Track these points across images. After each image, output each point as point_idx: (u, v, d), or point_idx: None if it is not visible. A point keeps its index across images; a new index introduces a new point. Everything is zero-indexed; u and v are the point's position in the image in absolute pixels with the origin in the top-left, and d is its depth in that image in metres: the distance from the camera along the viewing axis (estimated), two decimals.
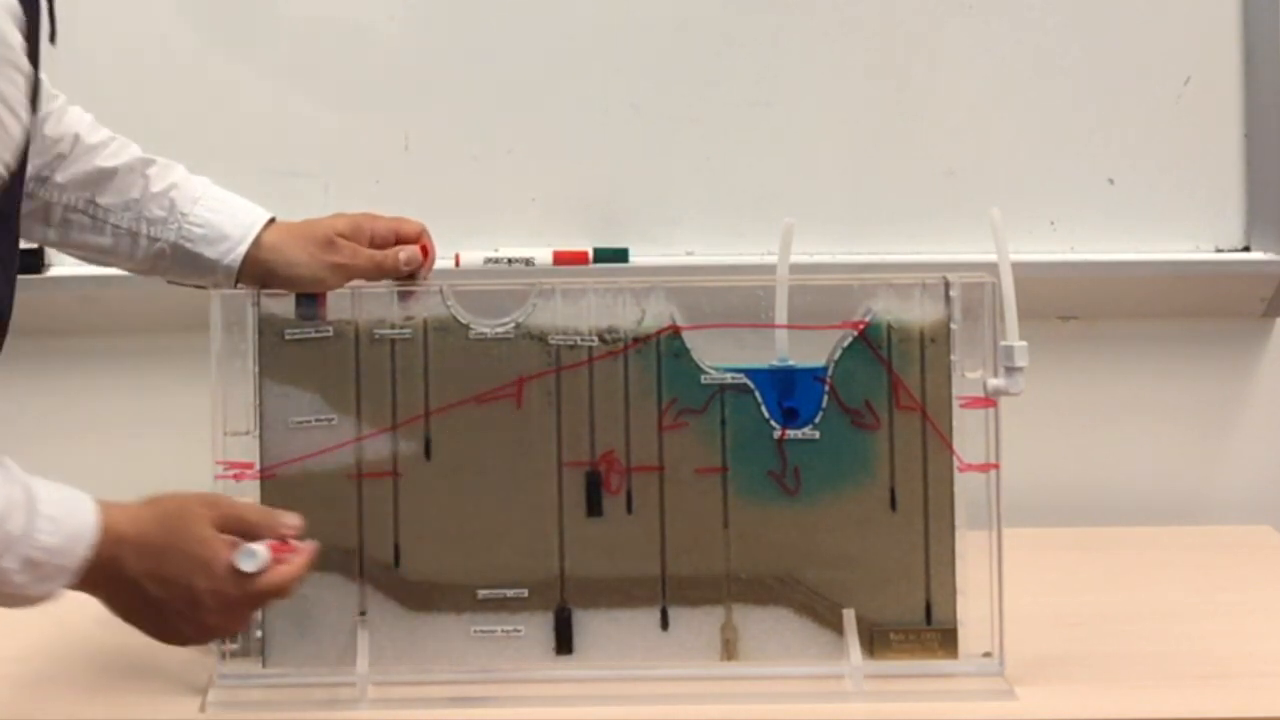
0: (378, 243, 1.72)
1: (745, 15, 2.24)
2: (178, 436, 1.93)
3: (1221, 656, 1.79)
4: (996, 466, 1.72)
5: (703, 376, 1.73)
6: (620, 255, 2.23)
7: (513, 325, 1.72)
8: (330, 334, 1.72)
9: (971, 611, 1.73)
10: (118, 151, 1.72)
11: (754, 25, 2.24)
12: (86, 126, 1.72)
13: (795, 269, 1.74)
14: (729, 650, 1.73)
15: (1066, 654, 1.78)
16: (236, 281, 1.70)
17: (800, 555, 1.73)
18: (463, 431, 1.71)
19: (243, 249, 1.69)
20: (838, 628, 1.72)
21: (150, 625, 1.52)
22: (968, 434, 1.73)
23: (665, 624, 1.73)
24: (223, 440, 1.69)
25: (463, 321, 1.72)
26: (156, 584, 1.49)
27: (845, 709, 1.69)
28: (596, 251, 2.23)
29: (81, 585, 1.48)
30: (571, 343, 1.73)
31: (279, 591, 1.54)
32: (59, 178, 1.71)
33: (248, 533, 1.54)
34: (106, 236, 1.71)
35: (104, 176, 1.70)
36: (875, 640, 1.72)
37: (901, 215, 2.26)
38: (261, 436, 1.71)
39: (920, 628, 1.73)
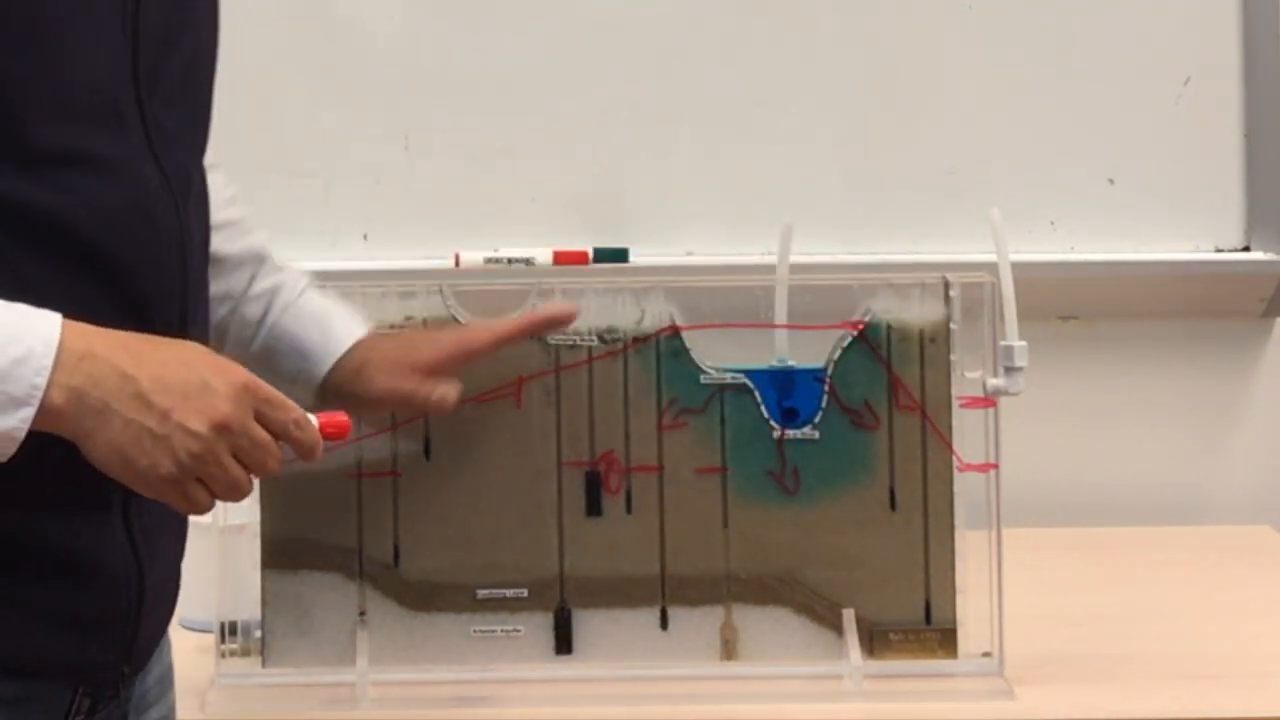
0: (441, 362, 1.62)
1: (745, 15, 2.24)
2: None
3: (1221, 656, 1.79)
4: (996, 466, 1.72)
5: (702, 376, 1.73)
6: (620, 255, 2.23)
7: None
8: None
9: (971, 611, 1.73)
10: (235, 236, 1.60)
11: (754, 25, 2.24)
12: (221, 201, 1.56)
13: (795, 269, 1.74)
14: (729, 650, 1.73)
15: (1066, 654, 1.78)
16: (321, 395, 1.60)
17: (800, 555, 1.73)
18: (463, 431, 1.71)
19: (321, 370, 1.59)
20: (837, 628, 1.72)
21: (146, 438, 1.19)
22: (967, 434, 1.73)
23: (665, 624, 1.73)
24: None
25: (462, 321, 1.72)
26: (149, 376, 1.20)
27: (845, 709, 1.69)
28: (596, 251, 2.23)
29: (53, 402, 1.18)
30: (571, 343, 1.72)
31: (303, 431, 1.27)
32: None
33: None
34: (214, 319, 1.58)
35: (214, 262, 1.56)
36: (875, 640, 1.72)
37: (901, 215, 2.26)
38: None
39: (920, 627, 1.73)
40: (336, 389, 1.60)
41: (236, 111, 2.21)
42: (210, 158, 1.56)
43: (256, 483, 1.66)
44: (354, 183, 2.24)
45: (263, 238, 1.63)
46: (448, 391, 1.61)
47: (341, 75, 2.22)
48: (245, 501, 1.68)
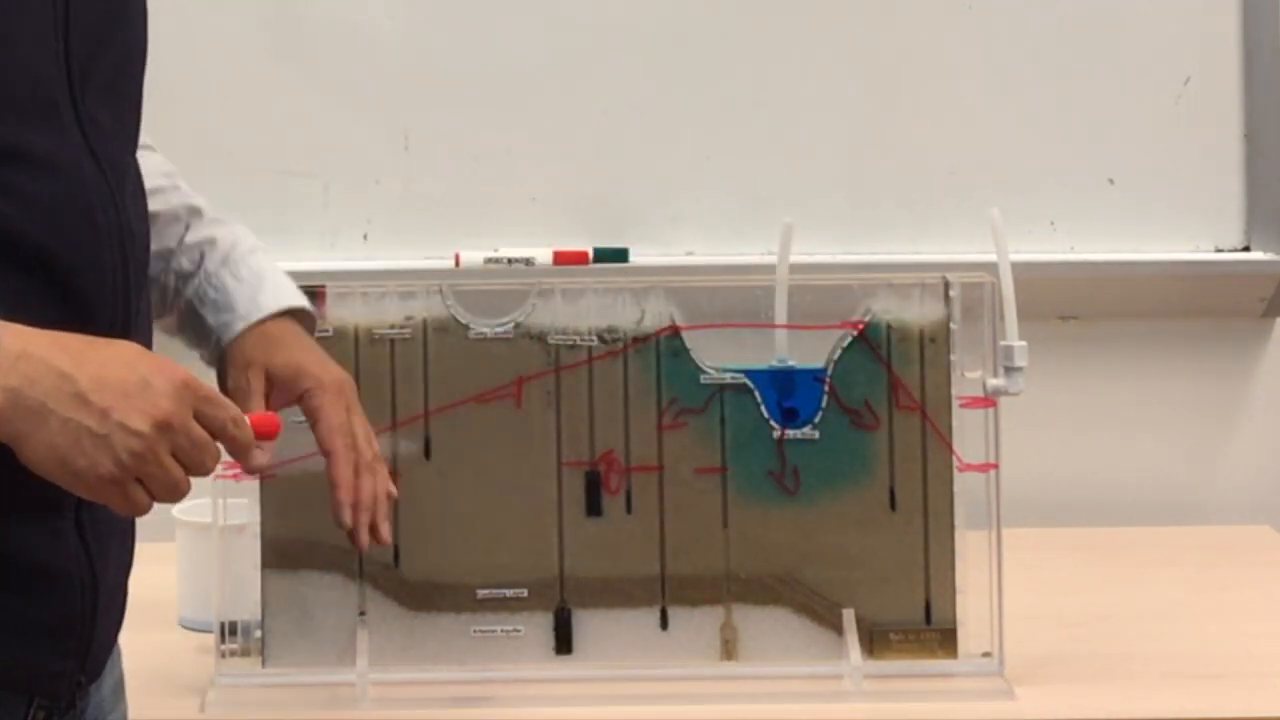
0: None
1: (744, 15, 2.24)
2: None
3: (1221, 656, 1.79)
4: (996, 466, 1.72)
5: (702, 376, 1.73)
6: (620, 255, 2.23)
7: (512, 325, 1.72)
8: (330, 334, 1.71)
9: (971, 611, 1.73)
10: (169, 197, 1.56)
11: (753, 25, 2.24)
12: (151, 167, 1.51)
13: (795, 269, 1.74)
14: (728, 650, 1.73)
15: (1066, 654, 1.78)
16: (219, 360, 1.54)
17: (800, 555, 1.73)
18: (462, 431, 1.71)
19: (240, 326, 1.53)
20: (837, 628, 1.72)
21: (85, 438, 1.17)
22: (967, 434, 1.73)
23: (665, 624, 1.73)
24: None
25: (462, 321, 1.72)
26: (88, 376, 1.18)
27: (845, 709, 1.69)
28: (596, 251, 2.23)
29: None
30: (571, 342, 1.73)
31: (238, 430, 1.26)
32: None
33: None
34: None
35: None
36: (875, 640, 1.72)
37: (901, 215, 2.26)
38: None
39: (920, 628, 1.73)
40: (248, 357, 1.53)
41: (236, 112, 2.23)
42: (143, 139, 1.55)
43: (256, 483, 1.69)
44: (354, 183, 2.23)
45: (200, 200, 1.58)
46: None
47: (341, 75, 2.22)
48: (245, 501, 1.70)
